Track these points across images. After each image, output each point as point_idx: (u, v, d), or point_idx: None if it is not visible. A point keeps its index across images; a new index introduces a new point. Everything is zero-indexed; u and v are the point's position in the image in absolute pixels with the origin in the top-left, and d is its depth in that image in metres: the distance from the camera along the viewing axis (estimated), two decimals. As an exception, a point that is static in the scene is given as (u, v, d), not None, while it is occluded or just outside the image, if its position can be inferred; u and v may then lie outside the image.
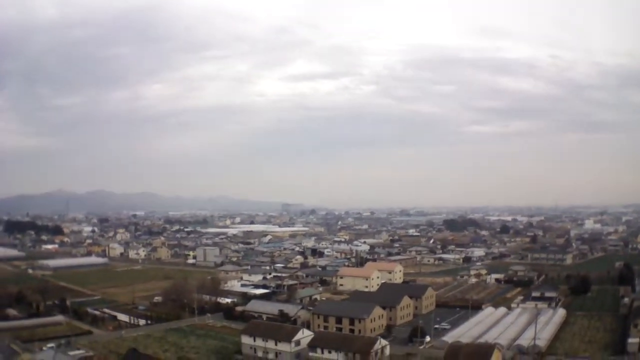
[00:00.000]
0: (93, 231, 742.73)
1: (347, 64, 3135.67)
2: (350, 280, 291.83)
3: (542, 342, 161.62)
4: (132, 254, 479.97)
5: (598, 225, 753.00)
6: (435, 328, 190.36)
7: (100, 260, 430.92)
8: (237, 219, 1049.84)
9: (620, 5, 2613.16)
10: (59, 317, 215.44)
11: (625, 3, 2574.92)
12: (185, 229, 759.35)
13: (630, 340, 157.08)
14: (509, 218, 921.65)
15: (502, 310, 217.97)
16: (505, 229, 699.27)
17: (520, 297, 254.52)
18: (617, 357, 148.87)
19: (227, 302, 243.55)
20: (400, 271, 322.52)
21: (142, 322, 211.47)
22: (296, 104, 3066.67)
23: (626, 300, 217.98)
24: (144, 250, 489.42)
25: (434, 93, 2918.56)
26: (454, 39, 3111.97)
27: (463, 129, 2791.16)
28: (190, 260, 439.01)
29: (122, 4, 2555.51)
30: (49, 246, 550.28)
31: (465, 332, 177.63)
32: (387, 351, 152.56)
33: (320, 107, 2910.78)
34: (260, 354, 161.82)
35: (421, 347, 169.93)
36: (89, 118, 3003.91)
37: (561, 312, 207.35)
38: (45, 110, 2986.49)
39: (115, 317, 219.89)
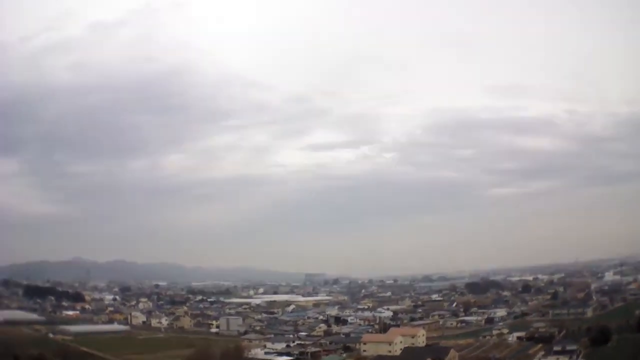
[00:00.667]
0: (115, 299, 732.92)
1: (366, 132, 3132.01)
2: (374, 346, 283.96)
3: None
4: (154, 322, 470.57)
5: (617, 277, 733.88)
6: None
7: (122, 327, 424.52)
8: (261, 290, 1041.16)
9: (632, 52, 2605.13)
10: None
11: (634, 49, 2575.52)
12: (209, 299, 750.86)
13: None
14: (530, 277, 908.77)
15: None
16: (526, 288, 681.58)
17: (542, 353, 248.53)
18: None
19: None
20: (423, 335, 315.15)
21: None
22: (316, 174, 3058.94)
23: None
24: (166, 319, 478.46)
25: (453, 158, 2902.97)
26: (471, 100, 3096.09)
27: (483, 192, 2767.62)
28: (214, 330, 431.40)
29: (139, 71, 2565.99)
30: (70, 312, 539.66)
31: None
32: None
33: (340, 176, 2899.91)
34: None
35: None
36: (108, 186, 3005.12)
37: None
38: (63, 178, 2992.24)
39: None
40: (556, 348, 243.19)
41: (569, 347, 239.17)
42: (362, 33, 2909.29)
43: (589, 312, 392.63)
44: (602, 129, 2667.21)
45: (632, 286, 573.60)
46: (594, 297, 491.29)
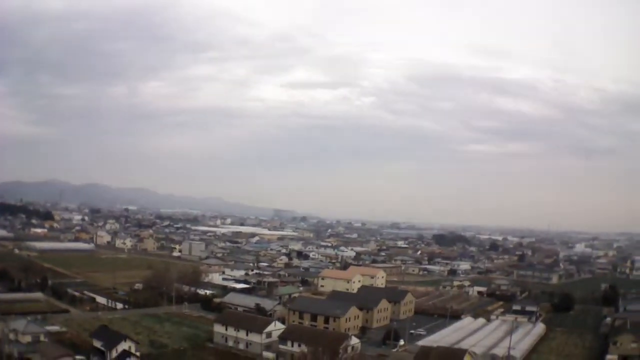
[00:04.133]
0: (83, 219, 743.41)
1: (347, 75, 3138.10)
2: (332, 282, 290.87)
3: (518, 352, 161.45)
4: (119, 243, 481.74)
5: (588, 250, 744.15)
6: (411, 333, 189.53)
7: (86, 246, 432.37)
8: (228, 220, 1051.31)
9: (624, 33, 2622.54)
10: (39, 295, 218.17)
11: (630, 31, 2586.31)
12: (175, 225, 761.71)
13: (608, 357, 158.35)
14: (500, 237, 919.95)
15: (481, 321, 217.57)
16: (494, 246, 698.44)
17: (501, 310, 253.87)
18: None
19: (206, 294, 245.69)
20: (382, 277, 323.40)
21: (119, 305, 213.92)
22: (294, 112, 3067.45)
23: (608, 319, 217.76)
24: (130, 241, 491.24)
25: (433, 109, 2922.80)
26: (456, 56, 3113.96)
27: (461, 147, 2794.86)
28: (176, 253, 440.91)
29: (128, 0, 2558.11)
30: (38, 230, 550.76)
31: (440, 338, 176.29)
32: (358, 349, 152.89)
33: (318, 115, 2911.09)
34: (231, 343, 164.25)
35: (394, 349, 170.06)
36: (87, 110, 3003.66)
37: (540, 327, 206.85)
38: (44, 99, 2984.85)
39: (93, 299, 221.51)
40: (515, 307, 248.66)
41: (528, 308, 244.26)
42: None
43: (555, 279, 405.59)
44: (587, 102, 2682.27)
45: (602, 260, 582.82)
46: (561, 265, 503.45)
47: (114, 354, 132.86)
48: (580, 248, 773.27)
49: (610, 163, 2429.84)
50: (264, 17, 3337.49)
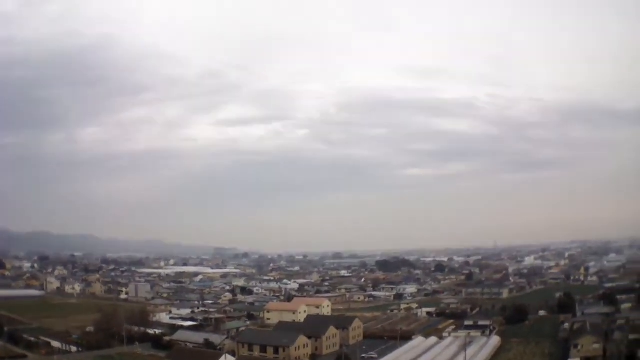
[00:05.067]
0: (33, 267, 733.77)
1: (279, 108, 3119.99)
2: (278, 315, 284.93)
3: None
4: (68, 288, 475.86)
5: (539, 262, 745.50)
6: (362, 357, 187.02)
7: (38, 292, 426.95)
8: (171, 261, 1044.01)
9: (560, 40, 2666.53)
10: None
11: (565, 36, 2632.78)
12: (120, 269, 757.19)
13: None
14: (445, 258, 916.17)
15: (433, 339, 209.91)
16: (440, 268, 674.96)
17: (452, 327, 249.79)
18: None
19: (156, 333, 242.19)
20: (328, 306, 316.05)
21: (74, 349, 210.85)
22: (228, 149, 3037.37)
23: (566, 325, 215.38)
24: (79, 286, 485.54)
25: (366, 136, 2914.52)
26: (389, 80, 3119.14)
27: (398, 172, 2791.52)
28: (123, 296, 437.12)
29: (63, 46, 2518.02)
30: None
31: (393, 359, 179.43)
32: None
33: (252, 151, 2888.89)
34: None
35: None
36: (27, 159, 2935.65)
37: (495, 339, 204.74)
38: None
39: (49, 344, 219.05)
40: (468, 323, 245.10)
41: (481, 322, 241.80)
42: (278, 9, 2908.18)
43: (505, 293, 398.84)
44: (526, 114, 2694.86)
45: (554, 270, 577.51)
46: (511, 279, 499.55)
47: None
48: (530, 261, 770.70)
49: (553, 173, 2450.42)
50: (193, 55, 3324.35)
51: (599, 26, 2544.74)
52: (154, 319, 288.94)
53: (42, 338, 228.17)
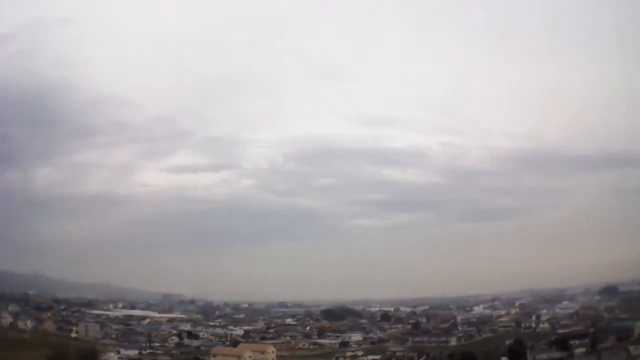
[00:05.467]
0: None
1: (227, 156, 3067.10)
2: (223, 359, 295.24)
3: None
4: (21, 324, 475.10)
5: (488, 311, 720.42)
6: None
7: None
8: (120, 304, 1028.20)
9: (514, 84, 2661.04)
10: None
11: (520, 81, 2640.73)
12: (71, 309, 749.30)
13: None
14: (391, 308, 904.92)
15: None
16: (386, 317, 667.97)
17: None
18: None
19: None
20: (273, 352, 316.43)
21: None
22: (177, 196, 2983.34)
23: None
24: (31, 323, 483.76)
25: (313, 186, 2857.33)
26: (337, 129, 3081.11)
27: (345, 222, 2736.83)
28: (74, 334, 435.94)
29: (20, 85, 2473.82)
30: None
31: None
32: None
33: (200, 199, 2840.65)
34: None
35: None
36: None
37: None
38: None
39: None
40: None
41: None
42: (230, 55, 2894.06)
43: (453, 341, 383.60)
44: (478, 163, 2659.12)
45: (504, 319, 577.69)
46: (459, 328, 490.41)
47: None
48: (479, 310, 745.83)
49: (506, 222, 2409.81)
50: (144, 100, 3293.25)
51: (556, 69, 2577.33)
52: (103, 359, 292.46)
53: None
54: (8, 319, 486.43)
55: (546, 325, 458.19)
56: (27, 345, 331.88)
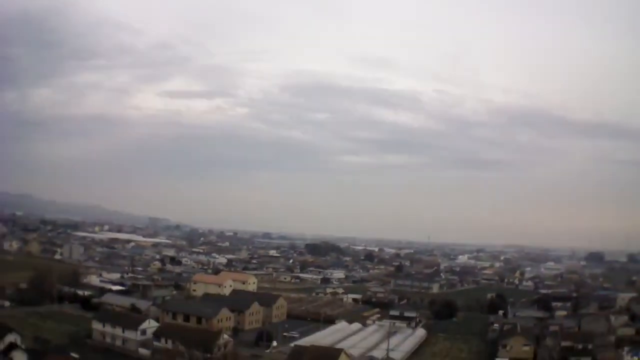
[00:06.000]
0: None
1: (223, 85, 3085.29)
2: (204, 286, 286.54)
3: (399, 354, 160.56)
4: (6, 245, 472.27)
5: (472, 261, 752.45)
6: (284, 335, 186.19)
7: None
8: (106, 227, 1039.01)
9: (517, 43, 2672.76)
10: None
11: (523, 41, 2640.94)
12: (57, 230, 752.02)
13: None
14: (376, 248, 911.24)
15: (357, 325, 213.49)
16: (370, 257, 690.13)
17: (378, 316, 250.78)
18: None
19: (85, 294, 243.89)
20: (254, 283, 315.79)
21: (7, 303, 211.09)
22: (170, 121, 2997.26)
23: (496, 325, 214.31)
24: (17, 244, 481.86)
25: (307, 120, 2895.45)
26: (335, 66, 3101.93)
27: (336, 157, 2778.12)
28: (58, 256, 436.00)
29: (23, 6, 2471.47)
30: None
31: (315, 340, 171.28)
32: (230, 347, 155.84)
33: (194, 125, 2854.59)
34: (109, 339, 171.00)
35: (267, 350, 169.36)
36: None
37: (420, 332, 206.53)
38: None
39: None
40: (393, 313, 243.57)
41: (407, 314, 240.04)
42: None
43: (435, 288, 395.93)
44: (472, 113, 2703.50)
45: (488, 272, 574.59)
46: (442, 275, 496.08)
47: (1, 346, 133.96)
48: (463, 259, 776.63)
49: (496, 175, 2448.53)
50: (146, 26, 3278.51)
51: (559, 35, 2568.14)
52: (85, 281, 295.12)
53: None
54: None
55: (529, 283, 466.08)
56: (12, 266, 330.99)
